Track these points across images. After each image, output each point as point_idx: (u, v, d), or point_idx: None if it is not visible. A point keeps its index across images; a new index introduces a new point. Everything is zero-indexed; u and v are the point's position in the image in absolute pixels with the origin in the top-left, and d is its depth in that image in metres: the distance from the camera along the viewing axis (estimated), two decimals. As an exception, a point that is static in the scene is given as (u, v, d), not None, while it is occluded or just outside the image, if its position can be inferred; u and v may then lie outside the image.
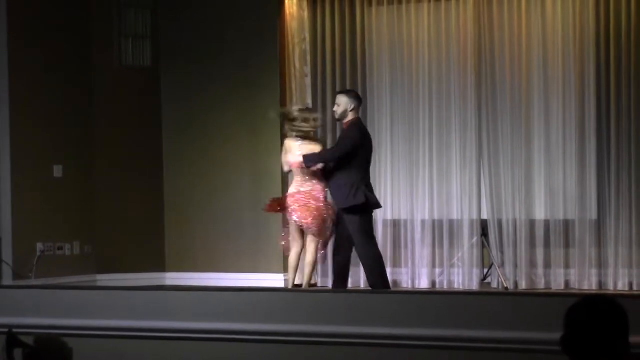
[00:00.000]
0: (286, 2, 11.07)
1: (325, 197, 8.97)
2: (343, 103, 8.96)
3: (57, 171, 10.70)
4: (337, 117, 9.09)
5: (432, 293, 9.15)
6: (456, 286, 10.49)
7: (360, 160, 8.85)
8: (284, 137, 9.49)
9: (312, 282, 10.56)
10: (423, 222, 10.66)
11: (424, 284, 10.60)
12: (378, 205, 9.06)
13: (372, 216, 9.03)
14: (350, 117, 8.93)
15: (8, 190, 10.28)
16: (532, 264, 10.34)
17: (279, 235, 9.55)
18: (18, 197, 10.32)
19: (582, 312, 2.82)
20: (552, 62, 10.37)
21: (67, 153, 10.81)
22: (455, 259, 10.53)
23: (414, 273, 10.66)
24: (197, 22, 11.27)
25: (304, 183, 8.97)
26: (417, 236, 10.66)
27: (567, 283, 10.26)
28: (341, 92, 9.26)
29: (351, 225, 8.79)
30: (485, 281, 10.50)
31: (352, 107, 8.92)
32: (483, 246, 10.48)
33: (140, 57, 11.04)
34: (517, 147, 10.39)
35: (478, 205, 10.51)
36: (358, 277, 10.15)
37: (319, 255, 9.13)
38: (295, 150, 8.99)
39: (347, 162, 8.77)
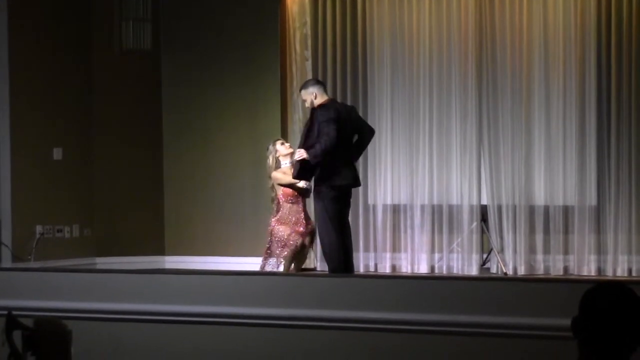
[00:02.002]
0: (287, -15, 11.07)
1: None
2: (307, 96, 8.99)
3: (57, 154, 10.69)
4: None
5: (431, 278, 9.15)
6: (455, 271, 10.48)
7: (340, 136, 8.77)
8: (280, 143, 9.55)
9: (311, 266, 10.61)
10: (423, 207, 10.66)
11: (423, 269, 10.60)
12: (346, 188, 8.95)
13: (339, 202, 8.89)
14: (319, 101, 8.93)
15: (7, 172, 10.28)
16: (532, 249, 10.35)
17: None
18: (17, 180, 10.33)
19: (596, 297, 2.81)
20: (553, 49, 10.35)
21: (67, 136, 10.81)
22: (455, 244, 10.53)
23: (414, 258, 10.66)
24: (197, 5, 11.24)
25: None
26: (417, 221, 10.65)
27: (566, 269, 10.27)
28: (300, 89, 9.31)
29: (316, 207, 8.95)
30: (485, 266, 10.51)
31: (315, 94, 8.92)
32: (482, 232, 10.48)
33: (141, 40, 11.01)
34: (517, 133, 10.37)
35: (478, 191, 10.51)
36: (357, 262, 10.15)
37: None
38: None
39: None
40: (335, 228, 8.80)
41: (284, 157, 9.40)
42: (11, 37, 10.28)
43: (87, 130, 11.00)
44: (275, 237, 9.27)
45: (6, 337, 3.78)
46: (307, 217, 9.43)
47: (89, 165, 11.00)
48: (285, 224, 9.28)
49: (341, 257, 8.80)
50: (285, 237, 9.25)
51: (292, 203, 9.32)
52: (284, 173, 9.34)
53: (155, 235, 11.27)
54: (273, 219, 9.36)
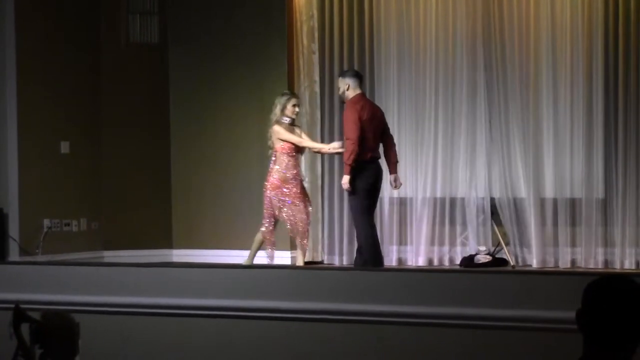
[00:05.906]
0: (294, -22, 11.05)
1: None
2: (341, 84, 9.29)
3: (64, 147, 10.70)
4: (341, 100, 9.35)
5: (438, 271, 9.16)
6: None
7: (367, 134, 9.02)
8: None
9: (319, 259, 10.62)
10: (430, 200, 10.66)
11: (430, 261, 10.60)
12: (375, 183, 9.17)
13: (371, 196, 9.17)
14: (350, 95, 9.10)
15: (15, 166, 10.29)
16: (539, 242, 10.34)
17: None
18: (25, 174, 10.34)
19: (600, 289, 2.79)
20: (561, 42, 10.33)
21: (74, 129, 10.82)
22: (463, 237, 10.53)
23: (420, 251, 10.66)
24: (204, -2, 11.25)
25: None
26: (424, 214, 10.65)
27: (573, 261, 10.26)
28: (339, 76, 9.61)
29: (350, 202, 9.21)
30: (492, 259, 10.51)
31: (349, 85, 9.17)
32: (490, 224, 10.47)
33: (148, 33, 11.02)
34: (525, 126, 10.37)
35: (485, 184, 10.50)
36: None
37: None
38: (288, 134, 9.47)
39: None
40: (370, 221, 9.12)
41: (287, 116, 9.53)
42: (18, 30, 10.29)
43: (95, 123, 11.01)
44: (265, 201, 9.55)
45: (14, 330, 3.79)
46: (305, 194, 9.63)
47: (96, 159, 11.01)
48: (276, 187, 9.42)
49: (372, 250, 8.99)
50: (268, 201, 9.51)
51: (290, 157, 9.44)
52: (284, 129, 9.48)
53: (163, 228, 11.28)
54: (267, 182, 9.53)
